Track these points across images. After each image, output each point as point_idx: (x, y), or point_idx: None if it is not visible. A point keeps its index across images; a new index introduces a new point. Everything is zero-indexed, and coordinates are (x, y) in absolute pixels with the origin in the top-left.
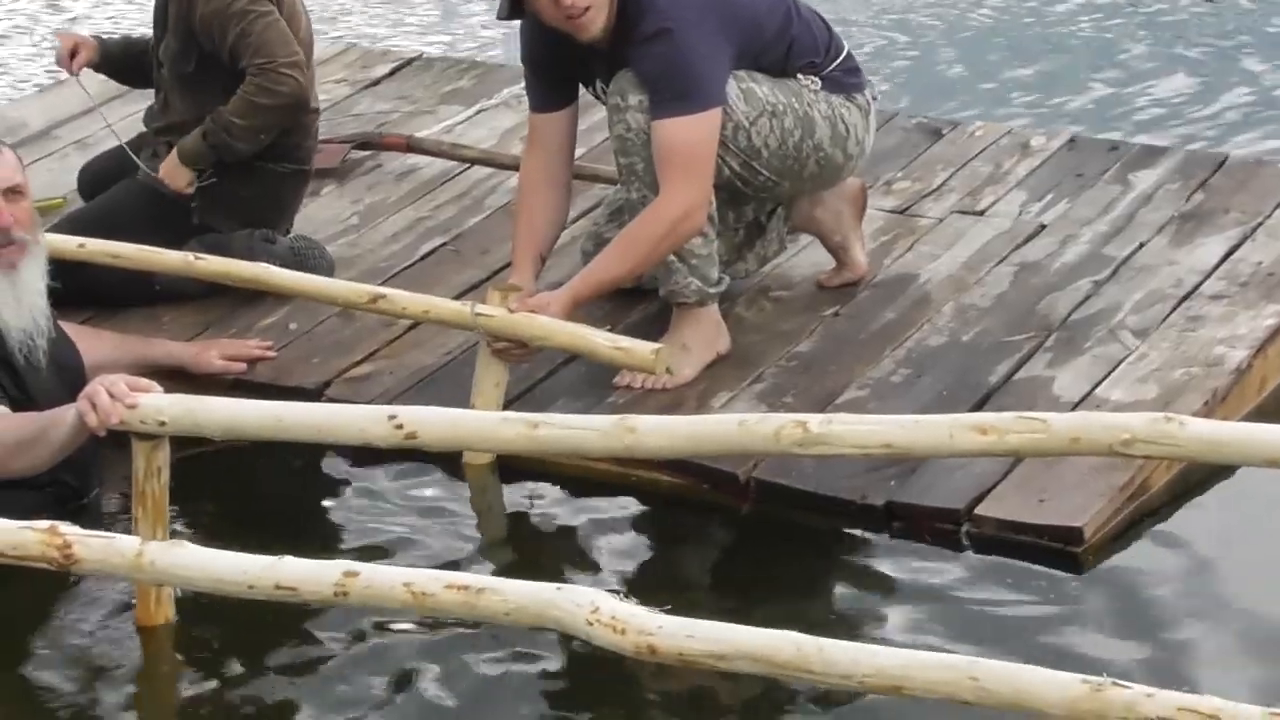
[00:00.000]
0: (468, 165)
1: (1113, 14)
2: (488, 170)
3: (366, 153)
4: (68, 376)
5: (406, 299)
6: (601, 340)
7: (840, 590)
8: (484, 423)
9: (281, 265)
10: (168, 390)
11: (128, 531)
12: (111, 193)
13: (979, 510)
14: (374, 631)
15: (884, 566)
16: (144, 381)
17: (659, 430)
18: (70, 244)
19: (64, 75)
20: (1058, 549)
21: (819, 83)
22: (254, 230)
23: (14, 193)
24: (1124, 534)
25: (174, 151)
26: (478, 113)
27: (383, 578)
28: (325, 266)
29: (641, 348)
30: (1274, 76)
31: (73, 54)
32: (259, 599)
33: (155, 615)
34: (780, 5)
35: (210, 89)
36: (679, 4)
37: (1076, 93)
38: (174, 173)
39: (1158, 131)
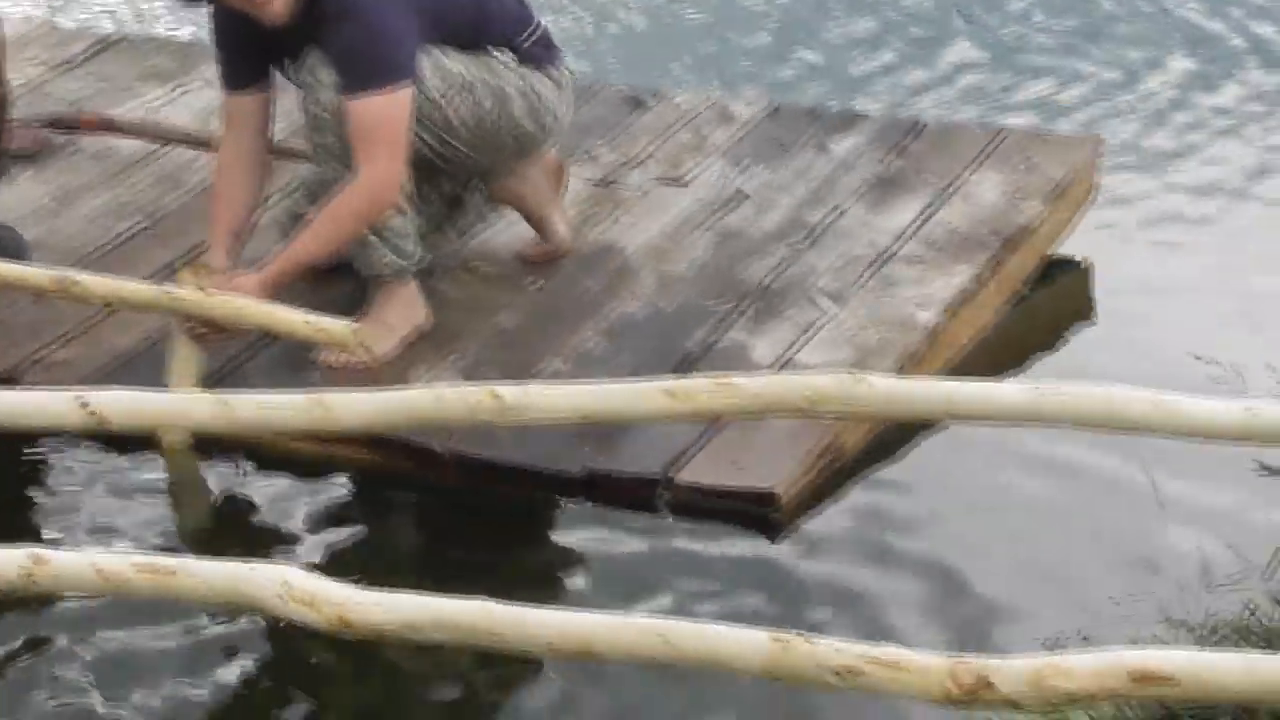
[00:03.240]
0: (167, 145)
1: None
2: (187, 150)
3: (63, 134)
4: None
5: (97, 283)
6: (298, 319)
7: (541, 560)
8: (174, 404)
9: None
10: None
11: None
12: None
13: (676, 477)
14: (70, 613)
15: (585, 534)
16: None
17: (352, 406)
18: None
19: None
20: (754, 513)
21: (513, 56)
22: None
23: None
24: (820, 496)
25: None
26: (179, 92)
27: (70, 562)
28: (18, 251)
29: (338, 325)
30: (973, 43)
31: None
32: None
33: None
34: None
35: None
36: None
37: (777, 61)
38: None
39: (857, 98)
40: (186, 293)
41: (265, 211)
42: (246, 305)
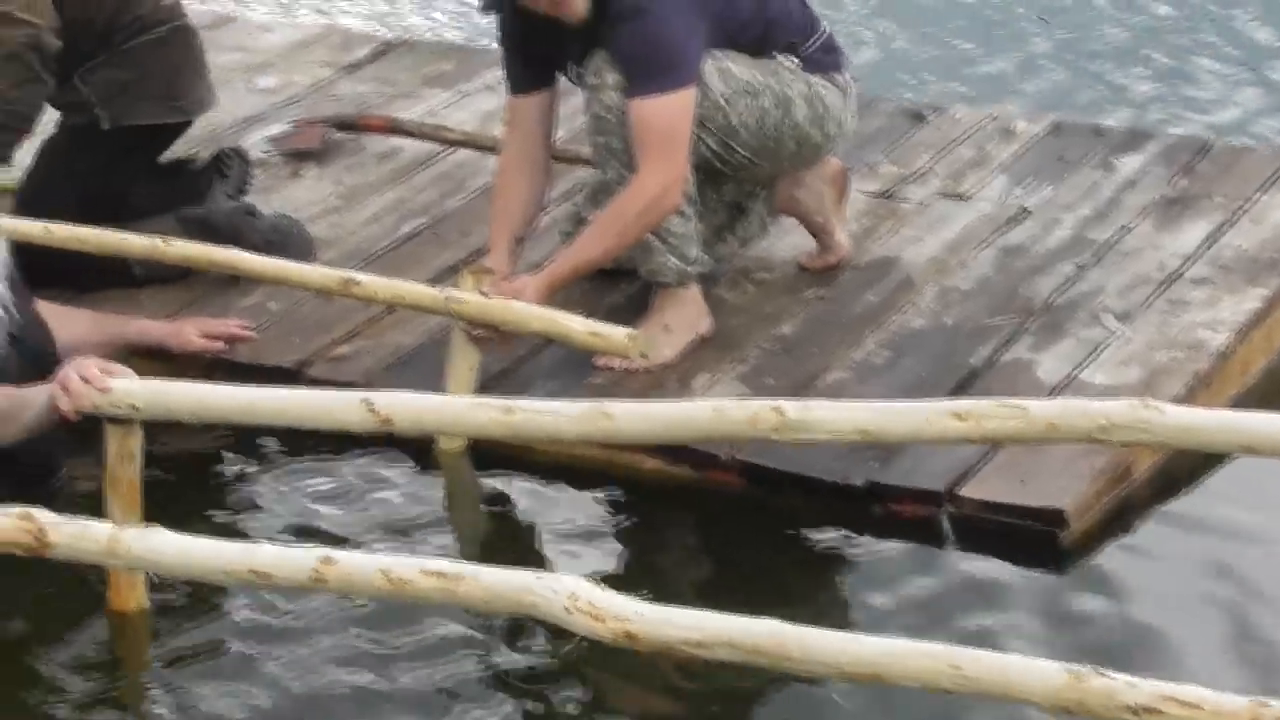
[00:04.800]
0: (449, 148)
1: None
2: (469, 152)
3: (348, 135)
4: (39, 359)
5: (379, 284)
6: (576, 325)
7: (820, 578)
8: (458, 408)
9: (264, 238)
10: (145, 370)
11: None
12: (38, 150)
13: (960, 492)
14: (350, 618)
15: (865, 554)
16: (116, 366)
17: (634, 417)
18: (35, 229)
19: None
20: (1039, 531)
21: (797, 62)
22: (238, 205)
23: None
24: (1108, 519)
25: None
26: (459, 96)
27: (359, 564)
28: (305, 245)
29: (616, 333)
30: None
31: None
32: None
33: (127, 600)
34: None
35: None
36: None
37: (1059, 77)
38: None
39: (1142, 116)
40: (467, 296)
41: (546, 215)
42: (526, 310)
